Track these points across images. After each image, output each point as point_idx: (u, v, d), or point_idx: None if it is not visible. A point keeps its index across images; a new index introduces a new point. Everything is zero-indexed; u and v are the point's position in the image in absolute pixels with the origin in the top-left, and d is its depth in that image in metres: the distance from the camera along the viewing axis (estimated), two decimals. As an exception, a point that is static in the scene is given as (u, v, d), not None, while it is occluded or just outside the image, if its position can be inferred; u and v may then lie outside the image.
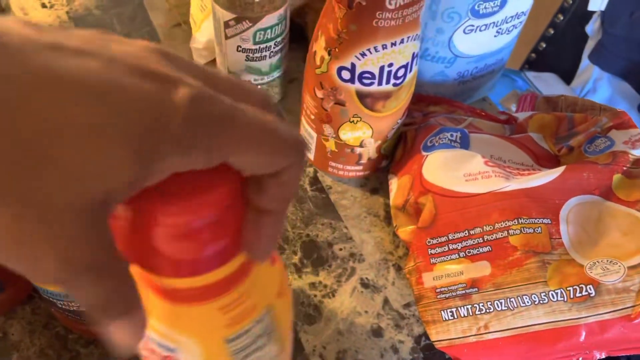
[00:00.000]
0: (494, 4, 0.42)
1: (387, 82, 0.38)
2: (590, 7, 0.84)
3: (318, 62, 0.39)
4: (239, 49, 0.46)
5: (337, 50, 0.37)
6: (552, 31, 0.93)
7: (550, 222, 0.35)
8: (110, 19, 0.58)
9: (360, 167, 0.45)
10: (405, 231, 0.42)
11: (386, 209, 0.46)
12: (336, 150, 0.44)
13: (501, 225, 0.36)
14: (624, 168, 0.38)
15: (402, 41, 0.36)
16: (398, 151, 0.46)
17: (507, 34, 0.46)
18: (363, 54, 0.37)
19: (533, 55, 0.98)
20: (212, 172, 0.16)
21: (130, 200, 0.16)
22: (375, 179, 0.48)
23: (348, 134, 0.42)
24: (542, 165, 0.41)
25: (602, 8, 0.83)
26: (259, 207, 0.18)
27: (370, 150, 0.43)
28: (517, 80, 0.84)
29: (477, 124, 0.45)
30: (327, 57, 0.38)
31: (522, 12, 0.44)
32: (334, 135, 0.42)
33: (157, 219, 0.16)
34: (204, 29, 0.52)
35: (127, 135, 0.14)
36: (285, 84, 0.52)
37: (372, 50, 0.36)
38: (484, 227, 0.36)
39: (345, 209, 0.46)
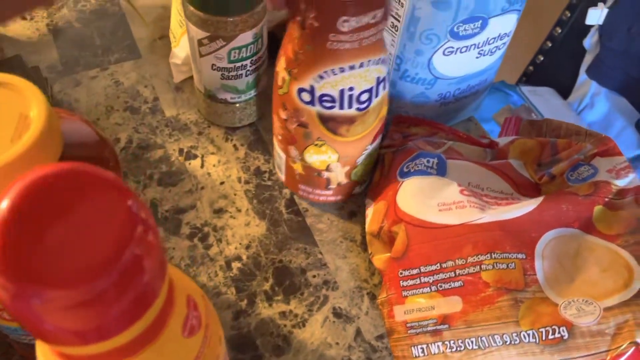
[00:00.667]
0: (474, 25, 0.40)
1: (350, 106, 0.37)
2: (588, 21, 0.82)
3: (280, 83, 0.38)
4: (214, 67, 0.45)
5: (296, 71, 0.36)
6: (549, 44, 0.92)
7: (524, 257, 0.34)
8: (91, 32, 0.57)
9: (331, 192, 0.43)
10: (380, 259, 0.40)
11: (363, 234, 0.44)
12: (304, 174, 0.42)
13: (474, 259, 0.34)
14: (606, 199, 0.36)
15: (361, 65, 0.35)
16: (376, 174, 0.45)
17: (490, 55, 0.44)
18: (321, 77, 0.35)
19: (530, 68, 0.96)
20: None
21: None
22: (353, 202, 0.46)
23: (313, 157, 0.40)
24: (522, 193, 0.40)
25: (600, 22, 0.81)
26: None
27: (338, 175, 0.42)
28: (512, 95, 0.82)
29: (457, 148, 0.44)
30: (287, 77, 0.37)
31: (505, 34, 0.43)
32: (299, 158, 0.41)
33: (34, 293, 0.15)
34: (183, 45, 0.51)
35: None
36: (263, 103, 0.50)
37: (330, 72, 0.35)
38: (457, 260, 0.35)
39: (321, 233, 0.45)
